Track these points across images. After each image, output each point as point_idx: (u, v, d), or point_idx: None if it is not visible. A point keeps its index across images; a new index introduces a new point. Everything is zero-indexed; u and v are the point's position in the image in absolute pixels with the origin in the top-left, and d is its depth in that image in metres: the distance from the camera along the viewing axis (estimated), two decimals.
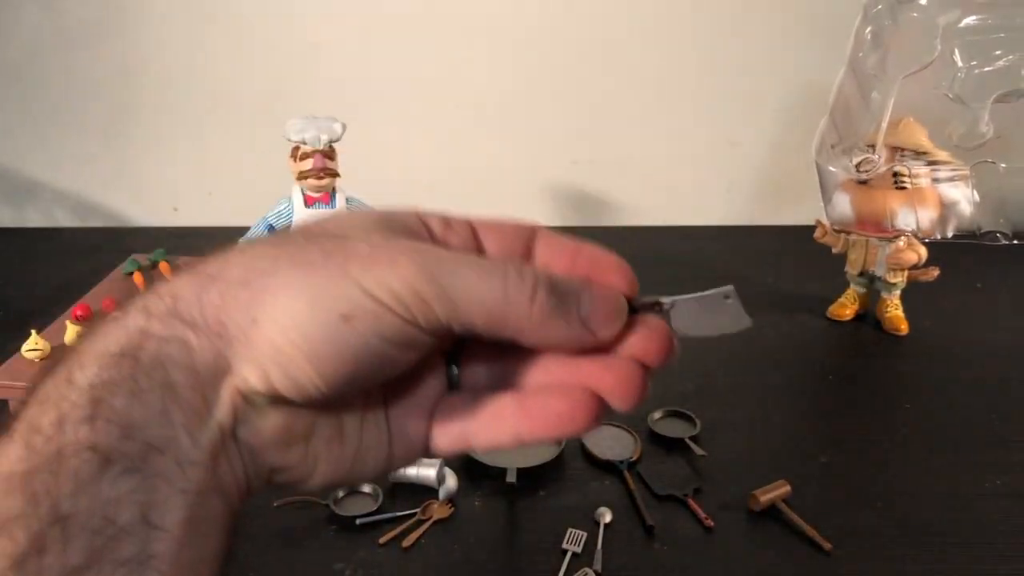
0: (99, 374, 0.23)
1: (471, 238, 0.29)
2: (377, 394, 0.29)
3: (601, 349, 0.28)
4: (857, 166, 1.46)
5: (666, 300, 0.29)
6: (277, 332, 0.24)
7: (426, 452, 0.30)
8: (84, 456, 0.22)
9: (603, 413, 0.28)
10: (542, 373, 0.29)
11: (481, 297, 0.25)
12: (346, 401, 0.28)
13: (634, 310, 0.28)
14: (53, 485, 0.21)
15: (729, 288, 0.29)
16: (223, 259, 0.25)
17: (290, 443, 0.26)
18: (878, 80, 1.43)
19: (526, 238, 0.30)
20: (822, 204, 1.62)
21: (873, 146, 1.46)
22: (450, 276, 0.25)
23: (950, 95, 1.38)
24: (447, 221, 0.29)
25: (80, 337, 0.25)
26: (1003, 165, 1.40)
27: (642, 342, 0.28)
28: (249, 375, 0.24)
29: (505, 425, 0.28)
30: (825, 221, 1.65)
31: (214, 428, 0.24)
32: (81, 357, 0.24)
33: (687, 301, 0.29)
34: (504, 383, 0.30)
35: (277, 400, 0.25)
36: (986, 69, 1.36)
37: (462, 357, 0.30)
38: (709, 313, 0.29)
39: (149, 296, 0.25)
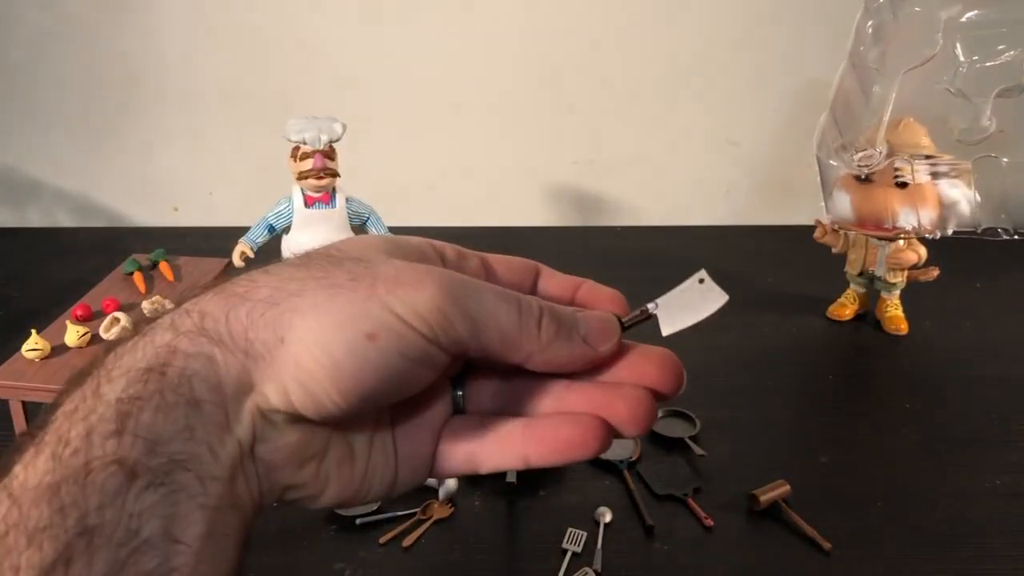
0: (126, 388, 0.24)
1: (481, 270, 0.31)
2: (385, 416, 0.30)
3: (602, 368, 0.30)
4: (858, 161, 1.46)
5: (650, 305, 0.31)
6: (302, 350, 0.25)
7: (430, 473, 0.31)
8: (111, 470, 0.22)
9: (611, 439, 0.29)
10: (550, 401, 0.30)
11: (499, 321, 0.27)
12: (358, 422, 0.29)
13: (625, 327, 0.30)
14: (80, 497, 0.22)
15: (701, 272, 0.31)
16: (250, 279, 0.26)
17: (304, 461, 0.27)
18: (879, 75, 1.43)
19: (531, 273, 0.32)
20: (822, 203, 1.61)
21: (874, 141, 1.46)
22: (472, 299, 0.26)
23: (952, 90, 1.38)
24: (461, 252, 0.31)
25: (108, 350, 0.25)
26: (1005, 160, 1.40)
27: (655, 371, 0.30)
28: (270, 393, 0.25)
29: (513, 448, 0.29)
30: (825, 220, 1.65)
31: (234, 444, 0.25)
32: (109, 371, 0.24)
33: (669, 299, 0.31)
34: (509, 409, 0.31)
35: (295, 418, 0.26)
36: (988, 64, 1.35)
37: (467, 382, 0.31)
38: (690, 302, 0.31)
39: (177, 313, 0.25)
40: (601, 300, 0.31)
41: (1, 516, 0.22)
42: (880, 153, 1.44)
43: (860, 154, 1.45)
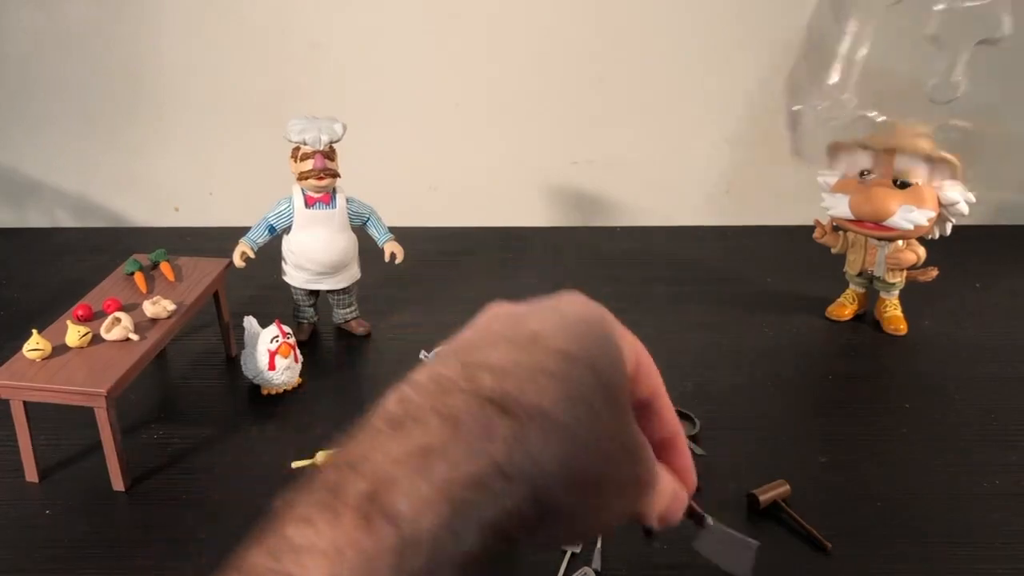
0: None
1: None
2: None
3: None
4: (823, 112, 1.41)
5: (709, 521, 0.38)
6: None
7: None
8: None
9: None
10: None
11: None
12: None
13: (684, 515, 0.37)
14: None
15: (756, 544, 0.37)
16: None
17: None
18: (857, 7, 1.35)
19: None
20: (820, 201, 1.61)
21: (843, 89, 1.39)
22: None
23: (927, 35, 1.30)
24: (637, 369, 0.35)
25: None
26: (967, 125, 1.33)
27: None
28: None
29: None
30: (823, 220, 1.66)
31: None
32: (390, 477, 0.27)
33: (722, 531, 0.38)
34: None
35: None
36: (968, 3, 1.26)
37: None
38: (728, 548, 0.37)
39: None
40: (680, 471, 0.39)
41: None
42: (849, 101, 1.37)
43: (825, 104, 1.39)
